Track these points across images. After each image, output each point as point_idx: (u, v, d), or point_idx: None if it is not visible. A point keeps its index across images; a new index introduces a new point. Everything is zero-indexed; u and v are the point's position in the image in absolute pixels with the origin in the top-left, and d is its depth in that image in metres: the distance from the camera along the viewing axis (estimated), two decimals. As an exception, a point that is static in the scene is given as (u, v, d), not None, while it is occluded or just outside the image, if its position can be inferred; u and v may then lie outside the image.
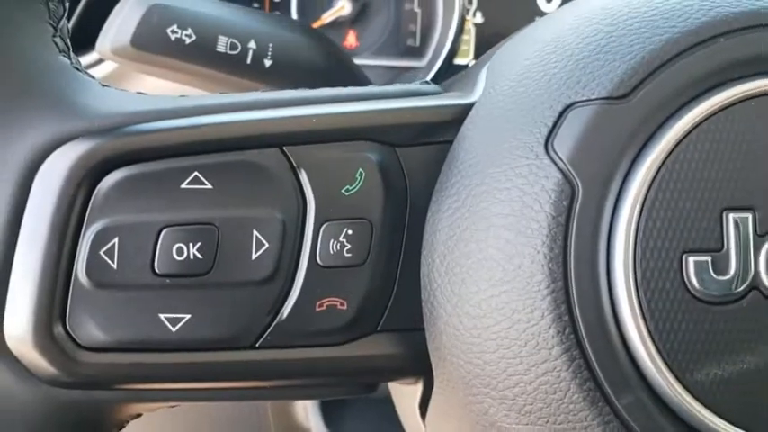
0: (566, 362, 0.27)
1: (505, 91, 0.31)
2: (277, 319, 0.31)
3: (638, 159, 0.28)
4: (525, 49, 0.33)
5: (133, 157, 0.30)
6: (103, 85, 0.32)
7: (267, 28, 0.47)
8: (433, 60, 0.68)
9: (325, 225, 0.31)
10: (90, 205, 0.29)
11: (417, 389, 0.35)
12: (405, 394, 0.37)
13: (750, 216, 0.28)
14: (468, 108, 0.33)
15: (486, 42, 0.70)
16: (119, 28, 0.44)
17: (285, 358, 0.31)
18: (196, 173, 0.30)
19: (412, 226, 0.32)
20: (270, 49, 0.46)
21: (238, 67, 0.46)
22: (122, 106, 0.31)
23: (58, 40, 0.31)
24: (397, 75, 0.70)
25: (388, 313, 0.32)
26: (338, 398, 0.56)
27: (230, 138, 0.31)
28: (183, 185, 0.30)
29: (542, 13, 0.70)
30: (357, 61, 0.69)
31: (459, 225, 0.30)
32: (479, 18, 0.70)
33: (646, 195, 0.28)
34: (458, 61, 0.70)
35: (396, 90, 0.34)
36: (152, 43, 0.44)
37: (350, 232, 0.31)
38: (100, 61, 0.58)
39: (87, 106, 0.31)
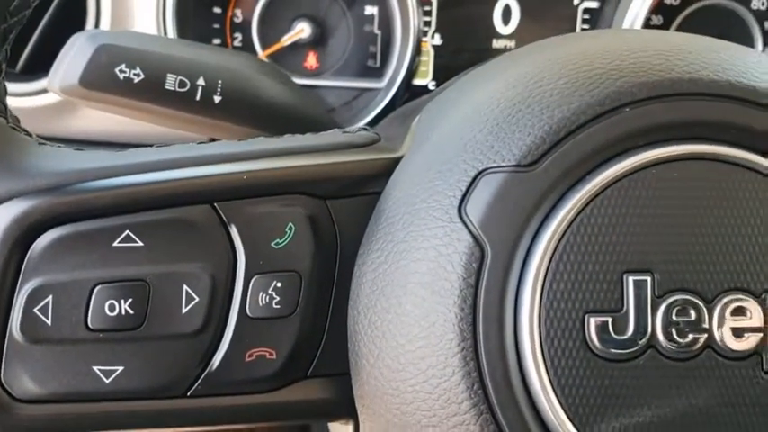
0: (474, 416, 0.29)
1: (427, 151, 0.33)
2: (207, 369, 0.32)
3: (544, 225, 0.30)
4: (448, 110, 0.34)
5: (66, 217, 0.31)
6: (40, 143, 0.34)
7: (217, 64, 0.48)
8: (392, 81, 0.69)
9: (254, 278, 0.33)
10: (24, 264, 0.30)
11: (349, 428, 0.36)
12: (339, 430, 0.39)
13: (649, 278, 0.29)
14: (395, 162, 0.34)
15: (444, 63, 0.71)
16: (68, 67, 0.45)
17: (215, 405, 0.33)
18: (128, 231, 0.31)
19: (341, 276, 0.34)
20: (219, 86, 0.47)
21: (188, 104, 0.47)
22: (58, 165, 0.32)
23: None
24: (357, 95, 0.72)
25: (318, 360, 0.34)
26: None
27: (161, 196, 0.32)
28: (115, 244, 0.31)
29: (499, 36, 0.71)
30: (318, 82, 0.70)
31: (382, 280, 0.32)
32: (438, 40, 0.71)
33: (551, 259, 0.29)
34: (417, 82, 0.71)
35: (327, 143, 0.36)
36: (101, 82, 0.45)
37: (279, 284, 0.33)
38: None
39: (23, 166, 0.32)
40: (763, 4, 0.70)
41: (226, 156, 0.34)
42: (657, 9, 0.70)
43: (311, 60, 0.70)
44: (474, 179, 0.30)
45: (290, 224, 0.33)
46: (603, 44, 0.33)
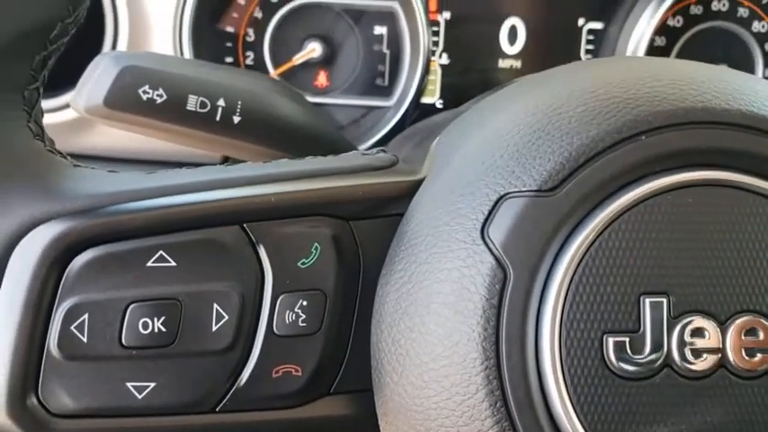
0: None
1: (449, 174, 0.34)
2: (236, 385, 0.33)
3: (564, 248, 0.31)
4: (469, 134, 0.35)
5: (102, 238, 0.32)
6: (75, 165, 0.35)
7: (236, 85, 0.49)
8: (401, 100, 0.70)
9: (281, 297, 0.34)
10: (62, 284, 0.32)
11: None
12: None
13: (665, 300, 0.30)
14: (416, 184, 0.36)
15: (452, 82, 0.73)
16: (92, 88, 0.46)
17: (243, 421, 0.34)
18: (161, 251, 0.32)
19: (364, 295, 0.35)
20: (238, 106, 0.49)
21: (208, 124, 0.48)
22: (93, 187, 0.33)
23: (32, 125, 0.33)
24: (366, 113, 0.73)
25: (341, 377, 0.35)
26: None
27: (193, 218, 0.33)
28: (149, 264, 0.32)
29: (505, 56, 0.73)
30: (327, 100, 0.72)
31: (405, 299, 0.33)
32: (445, 59, 0.73)
33: (570, 281, 0.30)
34: (424, 100, 0.73)
35: (350, 165, 0.37)
36: (124, 103, 0.46)
37: (305, 303, 0.34)
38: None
39: (60, 188, 0.33)
40: (763, 26, 0.72)
41: (254, 178, 0.35)
42: (661, 31, 0.71)
43: (321, 79, 0.72)
44: (496, 203, 0.32)
45: (316, 244, 0.34)
46: (619, 73, 0.34)
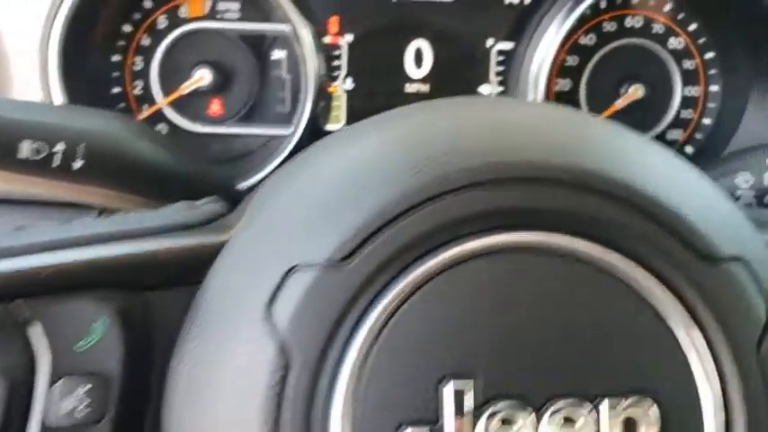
0: None
1: (245, 239, 0.30)
2: None
3: (356, 328, 0.27)
4: (273, 194, 0.32)
5: None
6: None
7: (81, 127, 0.45)
8: (298, 128, 0.66)
9: (57, 383, 0.30)
10: None
11: None
12: None
13: (469, 385, 0.27)
14: (219, 247, 0.32)
15: (358, 108, 0.69)
16: None
17: None
18: None
19: (159, 376, 0.31)
20: (80, 150, 0.45)
21: (43, 171, 0.44)
22: None
23: None
24: (266, 141, 0.69)
25: None
26: None
27: None
28: None
29: (411, 80, 0.69)
30: (222, 129, 0.68)
31: (195, 381, 0.29)
32: (349, 84, 0.69)
33: (362, 366, 0.27)
34: (330, 127, 0.69)
35: (156, 225, 0.33)
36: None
37: (84, 389, 0.30)
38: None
39: None
40: (680, 42, 0.69)
41: (30, 246, 0.31)
42: (572, 50, 0.68)
43: (215, 107, 0.68)
44: (284, 277, 0.28)
45: (100, 322, 0.30)
46: (435, 122, 0.31)
